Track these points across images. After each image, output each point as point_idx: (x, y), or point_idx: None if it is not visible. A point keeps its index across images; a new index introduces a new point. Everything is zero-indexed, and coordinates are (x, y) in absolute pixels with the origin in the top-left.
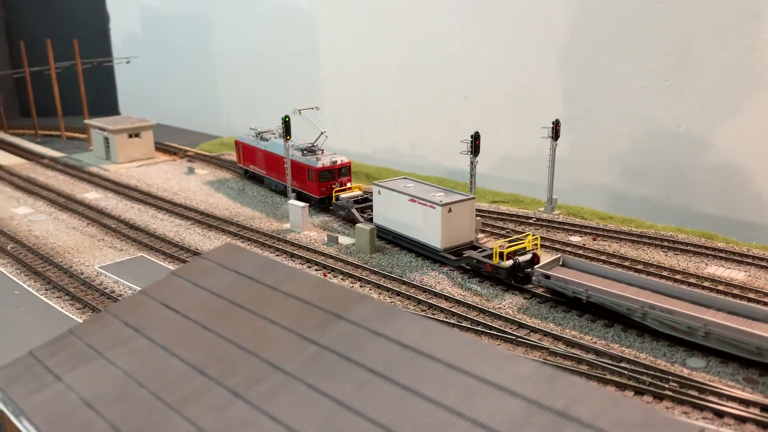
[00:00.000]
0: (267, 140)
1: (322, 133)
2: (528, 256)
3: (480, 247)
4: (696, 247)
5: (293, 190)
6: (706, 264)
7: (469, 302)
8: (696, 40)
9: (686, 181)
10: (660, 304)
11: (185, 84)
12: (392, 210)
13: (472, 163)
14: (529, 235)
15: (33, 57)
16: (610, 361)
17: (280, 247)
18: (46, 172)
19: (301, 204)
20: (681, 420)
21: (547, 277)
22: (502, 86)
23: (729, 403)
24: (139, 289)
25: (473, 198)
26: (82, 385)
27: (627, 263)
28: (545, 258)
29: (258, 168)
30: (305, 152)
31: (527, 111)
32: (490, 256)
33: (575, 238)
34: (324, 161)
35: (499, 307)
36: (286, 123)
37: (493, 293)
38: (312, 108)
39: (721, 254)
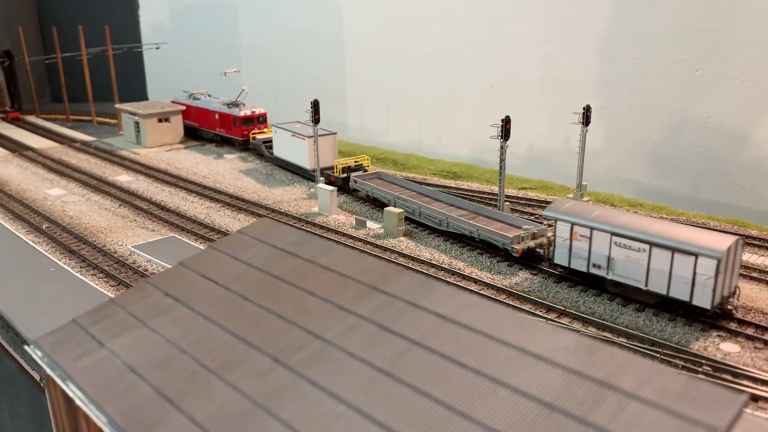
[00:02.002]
0: (198, 99)
1: (243, 90)
2: (360, 171)
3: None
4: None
5: (220, 136)
6: None
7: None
8: (726, 29)
9: (717, 172)
10: (402, 196)
11: (211, 70)
12: (283, 144)
13: (502, 147)
14: (365, 156)
15: (63, 43)
16: (641, 344)
17: (309, 230)
18: (78, 155)
19: (330, 188)
20: (724, 390)
21: (355, 181)
22: (528, 75)
23: (763, 387)
24: (165, 263)
25: (334, 133)
26: (125, 351)
27: None
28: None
29: (192, 122)
30: (230, 106)
31: (554, 100)
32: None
33: None
34: (245, 111)
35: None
36: (315, 106)
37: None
38: (234, 71)
39: (755, 242)
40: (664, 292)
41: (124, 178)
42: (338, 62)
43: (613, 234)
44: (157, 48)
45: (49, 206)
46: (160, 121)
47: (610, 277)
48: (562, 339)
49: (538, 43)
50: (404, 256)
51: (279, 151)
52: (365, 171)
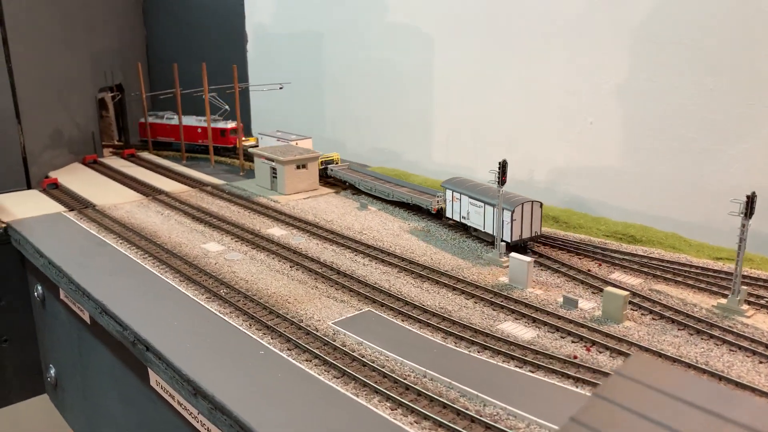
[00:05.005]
0: (171, 118)
1: (225, 109)
2: (333, 164)
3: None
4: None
5: (204, 146)
6: None
7: None
8: None
9: None
10: (364, 179)
11: (293, 103)
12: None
13: (743, 225)
14: (336, 154)
15: (171, 78)
16: None
17: (511, 306)
18: (214, 201)
19: (527, 258)
20: None
21: (332, 170)
22: (633, 112)
23: None
24: (388, 352)
25: (310, 138)
26: None
27: None
28: None
29: (164, 137)
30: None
31: (658, 141)
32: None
33: None
34: (231, 125)
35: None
36: (503, 167)
37: None
38: (214, 96)
39: None
40: (491, 232)
41: (277, 231)
42: (425, 94)
43: (469, 197)
44: (281, 88)
45: (214, 265)
46: (298, 167)
47: (469, 224)
48: None
49: (643, 80)
50: (644, 348)
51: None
52: (336, 164)
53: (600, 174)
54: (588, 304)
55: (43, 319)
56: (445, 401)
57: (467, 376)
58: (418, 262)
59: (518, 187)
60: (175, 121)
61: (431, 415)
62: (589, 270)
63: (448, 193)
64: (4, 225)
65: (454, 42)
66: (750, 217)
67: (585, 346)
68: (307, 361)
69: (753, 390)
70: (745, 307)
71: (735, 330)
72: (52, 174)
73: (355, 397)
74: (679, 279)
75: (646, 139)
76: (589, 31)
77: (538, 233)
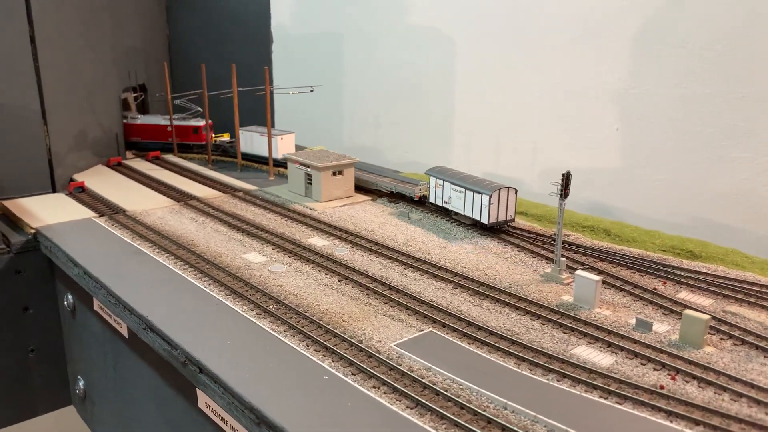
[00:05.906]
0: (127, 116)
1: (197, 110)
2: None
3: None
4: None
5: (178, 144)
6: None
7: None
8: None
9: None
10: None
11: (311, 104)
12: (248, 141)
13: None
14: (322, 146)
15: (193, 78)
16: None
17: (581, 329)
18: (248, 207)
19: (595, 277)
20: None
21: None
22: (661, 118)
23: None
24: (461, 380)
25: (293, 132)
26: None
27: None
28: None
29: (134, 137)
30: (180, 119)
31: (688, 149)
32: None
33: None
34: (200, 123)
35: None
36: (566, 179)
37: None
38: (188, 100)
39: None
40: (470, 215)
41: (318, 241)
42: (446, 97)
43: (452, 183)
44: (311, 91)
45: (259, 277)
46: (334, 174)
47: (450, 208)
48: None
49: (672, 86)
50: (732, 378)
51: (244, 147)
52: None
53: (628, 182)
54: (662, 327)
55: (73, 330)
56: None
57: (551, 409)
58: (472, 277)
59: (540, 196)
60: (139, 121)
61: None
62: (654, 288)
63: (432, 180)
64: (33, 231)
65: (476, 44)
66: None
67: (669, 374)
68: (374, 387)
69: None
70: None
71: None
72: (77, 177)
73: (420, 422)
74: (752, 300)
75: (675, 147)
76: (617, 34)
77: (512, 217)
